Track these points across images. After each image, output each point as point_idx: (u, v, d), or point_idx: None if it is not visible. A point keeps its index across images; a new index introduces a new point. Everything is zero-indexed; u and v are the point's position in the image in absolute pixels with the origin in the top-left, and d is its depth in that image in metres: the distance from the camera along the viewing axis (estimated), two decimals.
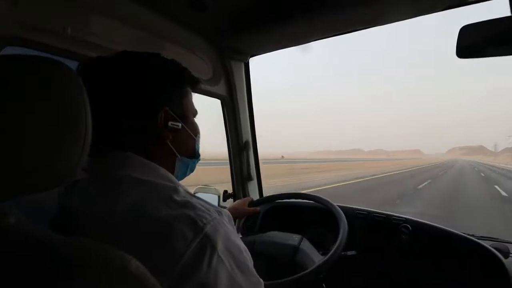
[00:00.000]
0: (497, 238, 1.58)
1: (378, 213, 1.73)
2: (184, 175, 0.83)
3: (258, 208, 1.61)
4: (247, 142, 2.09)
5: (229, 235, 0.64)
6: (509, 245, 1.46)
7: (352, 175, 23.90)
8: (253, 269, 0.67)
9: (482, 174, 25.77)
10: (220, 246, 0.61)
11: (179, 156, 0.78)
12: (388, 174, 25.97)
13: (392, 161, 76.88)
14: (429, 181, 18.22)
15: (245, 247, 0.67)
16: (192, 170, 0.85)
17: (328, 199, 1.53)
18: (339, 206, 1.49)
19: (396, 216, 1.68)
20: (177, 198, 0.65)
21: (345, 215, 1.40)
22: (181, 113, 0.78)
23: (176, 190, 0.67)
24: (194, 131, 0.82)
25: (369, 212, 1.75)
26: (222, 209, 0.68)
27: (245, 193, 2.12)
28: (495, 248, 1.39)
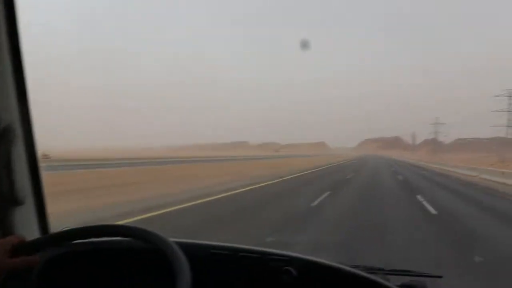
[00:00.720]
0: (411, 271, 1.43)
1: (249, 251, 1.29)
2: None
3: (36, 257, 1.05)
4: (7, 130, 1.16)
5: None
6: (428, 279, 1.35)
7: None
8: None
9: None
10: None
11: None
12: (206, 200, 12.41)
13: (263, 162, 53.95)
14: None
15: None
16: None
17: (158, 233, 1.05)
18: (180, 243, 1.06)
19: (276, 254, 1.26)
20: None
21: (192, 257, 1.03)
22: None
23: None
24: None
25: (234, 250, 1.29)
26: None
27: (6, 228, 1.16)
28: (408, 286, 1.25)
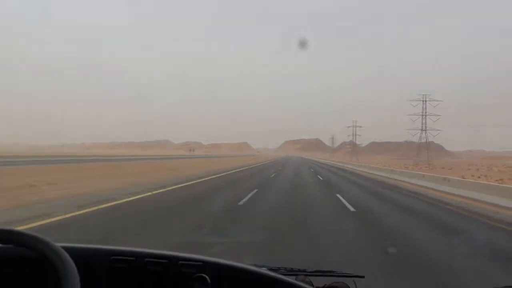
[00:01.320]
0: (334, 272, 1.54)
1: (156, 256, 1.19)
2: None
3: None
4: None
5: None
6: (350, 279, 1.42)
7: None
8: None
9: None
10: None
11: None
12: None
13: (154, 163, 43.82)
14: None
15: None
16: None
17: (39, 236, 0.97)
18: (73, 248, 1.05)
19: (188, 259, 1.19)
20: None
21: (87, 264, 1.03)
22: None
23: None
24: None
25: (139, 255, 1.19)
26: None
27: None
28: None
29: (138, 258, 1.17)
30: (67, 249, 0.93)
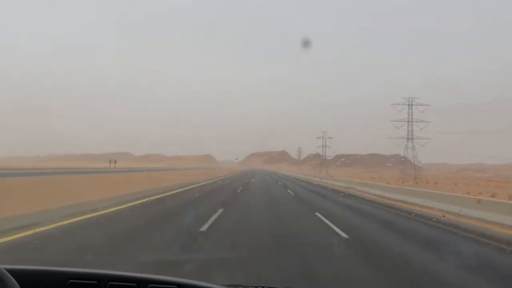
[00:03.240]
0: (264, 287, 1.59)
1: (122, 278, 1.08)
2: None
3: None
4: None
5: None
6: None
7: None
8: None
9: None
10: None
11: None
12: None
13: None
14: None
15: None
16: None
17: None
18: (26, 271, 1.04)
19: (159, 281, 1.11)
20: None
21: None
22: None
23: None
24: None
25: (101, 278, 1.09)
26: None
27: None
28: None
29: (101, 281, 1.06)
30: (16, 271, 0.91)
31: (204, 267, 5.59)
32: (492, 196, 25.48)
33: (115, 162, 74.48)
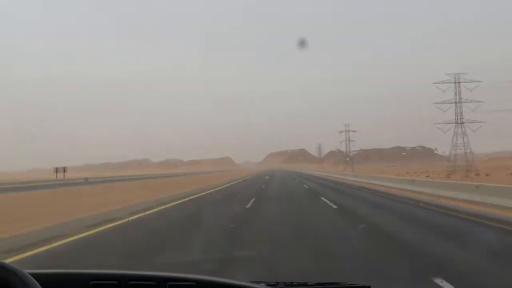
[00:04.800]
0: (339, 283, 1.43)
1: (141, 277, 1.10)
2: None
3: None
4: None
5: None
6: None
7: None
8: None
9: None
10: None
11: None
12: None
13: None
14: None
15: None
16: None
17: (11, 265, 0.96)
18: (48, 274, 1.05)
19: (178, 279, 1.10)
20: None
21: None
22: None
23: None
24: None
25: (122, 278, 1.10)
26: None
27: None
28: None
29: (121, 281, 1.10)
30: (40, 275, 0.92)
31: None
32: None
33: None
